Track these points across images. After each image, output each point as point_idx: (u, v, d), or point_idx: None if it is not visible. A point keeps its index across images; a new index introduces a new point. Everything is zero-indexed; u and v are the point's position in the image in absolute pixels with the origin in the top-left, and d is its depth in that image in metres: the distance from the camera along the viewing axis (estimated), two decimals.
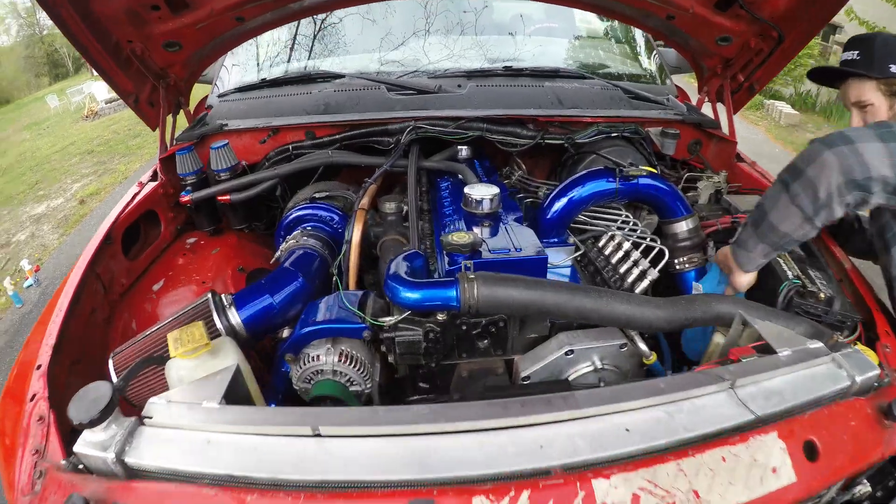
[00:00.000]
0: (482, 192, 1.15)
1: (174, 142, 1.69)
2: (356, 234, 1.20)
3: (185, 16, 1.45)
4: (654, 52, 2.28)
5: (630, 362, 1.07)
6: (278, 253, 1.28)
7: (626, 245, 1.22)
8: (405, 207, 1.40)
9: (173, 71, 1.62)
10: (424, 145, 1.61)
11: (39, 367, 0.97)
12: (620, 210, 1.33)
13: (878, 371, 0.84)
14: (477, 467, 0.64)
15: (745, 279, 1.13)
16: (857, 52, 1.20)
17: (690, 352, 1.20)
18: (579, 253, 1.20)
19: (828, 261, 1.23)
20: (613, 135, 1.64)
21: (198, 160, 1.58)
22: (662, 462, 0.68)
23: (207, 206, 1.58)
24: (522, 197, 1.53)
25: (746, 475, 0.70)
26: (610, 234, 1.27)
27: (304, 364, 1.00)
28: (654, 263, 1.16)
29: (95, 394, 0.70)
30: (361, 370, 0.99)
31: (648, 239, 1.19)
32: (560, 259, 1.18)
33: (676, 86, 2.22)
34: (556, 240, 1.22)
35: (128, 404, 1.01)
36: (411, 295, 0.88)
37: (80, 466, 0.73)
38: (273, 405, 1.16)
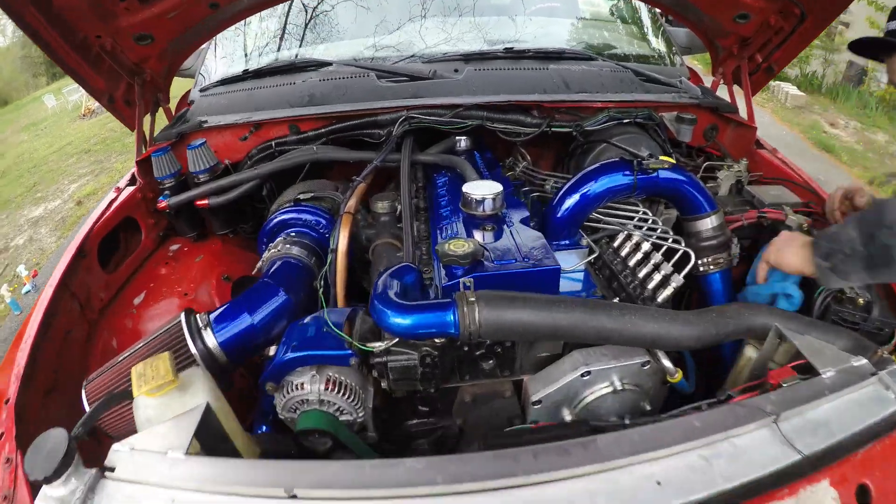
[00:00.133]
0: (483, 191, 1.02)
1: (154, 141, 1.58)
2: (342, 241, 1.08)
3: (155, 5, 1.34)
4: (662, 30, 2.12)
5: (652, 380, 0.95)
6: (260, 263, 1.16)
7: (646, 246, 1.09)
8: (399, 207, 1.27)
9: (148, 66, 1.52)
10: (420, 137, 1.48)
11: (8, 401, 0.90)
12: (637, 206, 1.19)
13: None
14: None
15: None
16: None
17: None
18: (594, 256, 1.07)
19: None
20: (625, 121, 1.51)
21: (175, 161, 1.47)
22: None
23: (188, 211, 1.47)
24: (528, 190, 1.40)
25: None
26: (626, 233, 1.14)
27: (288, 393, 0.88)
28: (677, 267, 1.03)
29: (52, 444, 0.64)
30: (352, 398, 0.88)
31: (671, 240, 1.06)
32: (572, 264, 1.05)
33: (689, 67, 2.07)
34: (566, 242, 1.09)
35: (104, 437, 0.92)
36: (401, 321, 0.76)
37: None
38: (263, 429, 1.06)
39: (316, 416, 0.87)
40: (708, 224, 1.17)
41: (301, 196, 1.25)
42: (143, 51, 1.45)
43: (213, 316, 0.99)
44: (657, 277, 1.03)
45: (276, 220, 1.24)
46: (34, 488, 0.67)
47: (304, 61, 1.68)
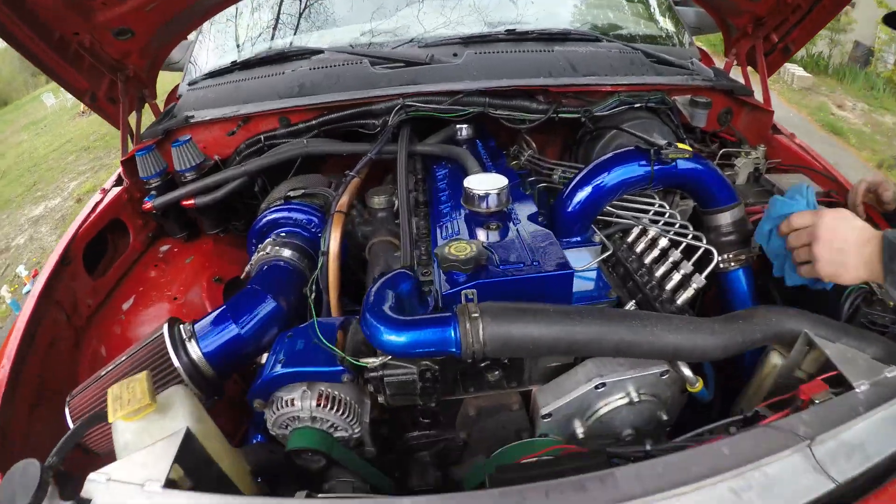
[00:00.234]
0: (486, 186, 0.94)
1: (140, 139, 1.52)
2: (334, 243, 1.00)
3: None
4: (670, 9, 2.01)
5: (671, 389, 0.88)
6: (248, 266, 1.08)
7: (663, 242, 1.01)
8: (397, 201, 1.19)
9: (130, 61, 1.46)
10: (417, 126, 1.40)
11: None
12: (653, 198, 1.10)
13: None
14: None
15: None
16: None
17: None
18: (608, 254, 0.98)
19: None
20: (637, 105, 1.41)
21: (160, 160, 1.40)
22: None
23: (176, 211, 1.41)
24: (534, 180, 1.32)
25: None
26: (641, 227, 1.06)
27: (278, 409, 0.82)
28: (697, 266, 0.95)
29: (25, 476, 0.61)
30: (346, 414, 0.81)
31: (690, 235, 0.97)
32: (583, 262, 0.97)
33: (699, 48, 1.97)
34: (577, 238, 1.00)
35: (88, 453, 0.88)
36: (395, 338, 0.68)
37: None
38: (258, 439, 1.01)
39: (308, 434, 0.80)
40: (729, 217, 1.08)
41: (291, 193, 1.17)
42: (123, 46, 1.39)
43: (198, 326, 0.92)
44: (676, 277, 0.95)
45: (265, 220, 1.16)
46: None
47: (295, 50, 1.59)
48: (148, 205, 1.36)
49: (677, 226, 1.02)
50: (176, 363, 0.87)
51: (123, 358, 0.93)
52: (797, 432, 0.63)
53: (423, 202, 1.21)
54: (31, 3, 1.14)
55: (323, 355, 0.77)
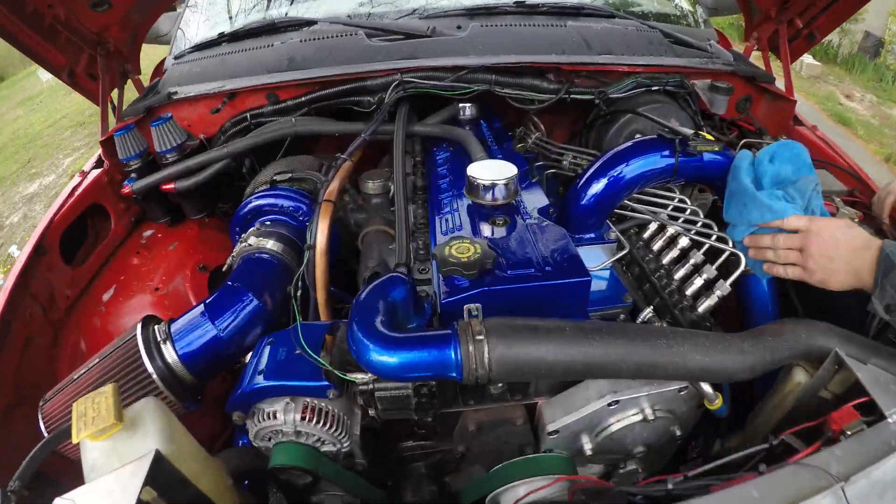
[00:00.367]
0: (492, 174, 0.84)
1: (122, 117, 1.43)
2: (321, 235, 0.90)
3: None
4: None
5: (688, 405, 0.81)
6: (230, 259, 0.99)
7: (684, 242, 0.92)
8: (393, 187, 1.09)
9: (110, 35, 1.38)
10: (417, 104, 1.29)
11: None
12: (672, 190, 1.01)
13: None
14: None
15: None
16: None
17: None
18: (624, 253, 0.89)
19: None
20: (654, 88, 1.31)
21: (141, 140, 1.29)
22: None
23: (157, 195, 1.31)
24: (541, 166, 1.22)
25: None
26: (659, 223, 0.97)
27: (259, 422, 0.74)
28: (721, 270, 0.87)
29: None
30: (334, 428, 0.73)
31: (714, 236, 0.88)
32: (597, 261, 0.88)
33: (716, 30, 1.85)
34: (591, 235, 0.91)
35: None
36: (386, 359, 0.59)
37: None
38: (245, 441, 0.94)
39: (292, 450, 0.72)
40: None
41: (277, 177, 1.07)
42: (101, 18, 1.30)
43: (174, 327, 0.84)
44: (698, 282, 0.86)
45: (249, 206, 1.06)
46: None
47: (286, 20, 1.46)
48: (127, 188, 1.26)
49: (699, 224, 0.93)
50: (149, 368, 0.80)
51: (95, 361, 0.86)
52: (830, 471, 0.60)
53: (422, 187, 1.11)
54: None
55: (307, 367, 0.69)
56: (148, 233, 1.37)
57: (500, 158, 1.08)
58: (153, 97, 1.39)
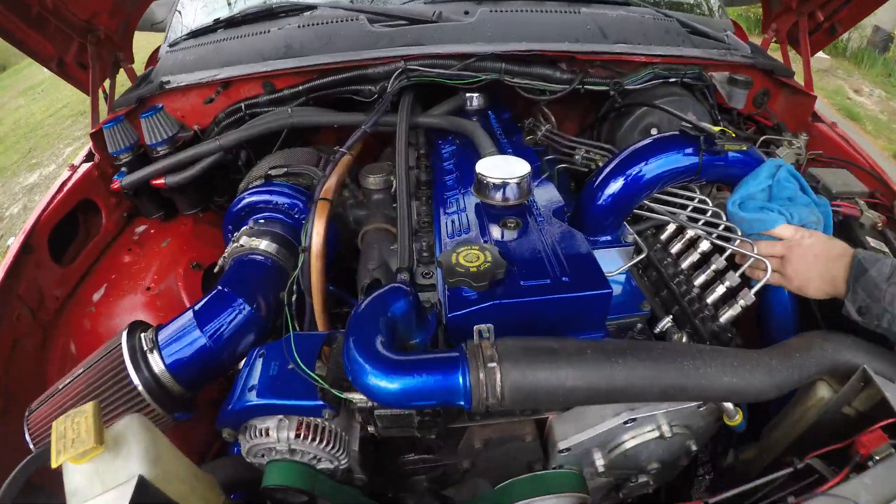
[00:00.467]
0: (503, 173, 0.78)
1: (114, 108, 1.37)
2: (317, 237, 0.83)
3: None
4: None
5: (706, 420, 0.77)
6: (222, 259, 0.93)
7: (704, 246, 0.86)
8: (395, 183, 1.03)
9: (100, 22, 1.32)
10: (422, 94, 1.23)
11: None
12: (694, 190, 0.95)
13: None
14: None
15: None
16: None
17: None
18: (642, 257, 0.84)
19: None
20: (672, 80, 1.24)
21: (131, 132, 1.24)
22: None
23: (149, 190, 1.25)
24: (552, 159, 1.16)
25: None
26: (677, 223, 0.91)
27: (251, 438, 0.69)
28: (744, 278, 0.81)
29: None
30: (332, 445, 0.68)
31: (737, 241, 0.82)
32: (613, 266, 0.83)
33: (732, 20, 1.77)
34: (608, 237, 0.85)
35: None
36: (386, 384, 0.53)
37: None
38: (239, 450, 0.89)
39: (286, 469, 0.67)
40: None
41: (272, 172, 1.00)
42: (91, 5, 1.26)
43: (162, 335, 0.79)
44: (720, 290, 0.81)
45: (242, 203, 1.00)
46: None
47: (285, 5, 1.39)
48: (117, 184, 1.21)
49: (721, 227, 0.87)
50: (135, 380, 0.75)
51: (81, 371, 0.81)
52: (859, 502, 0.58)
53: (426, 182, 1.05)
54: None
55: (301, 384, 0.63)
56: (141, 228, 1.32)
57: (510, 153, 1.02)
58: (146, 87, 1.33)
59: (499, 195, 0.78)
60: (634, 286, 0.84)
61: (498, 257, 0.62)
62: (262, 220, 0.96)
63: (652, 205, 0.94)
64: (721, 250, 0.85)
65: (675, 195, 0.96)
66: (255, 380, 0.66)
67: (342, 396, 0.60)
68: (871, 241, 0.97)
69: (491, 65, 1.15)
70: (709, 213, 0.91)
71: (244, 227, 0.95)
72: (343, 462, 0.72)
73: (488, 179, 0.78)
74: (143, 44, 1.61)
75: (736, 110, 1.39)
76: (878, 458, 0.63)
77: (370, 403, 0.62)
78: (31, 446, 0.82)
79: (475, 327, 0.55)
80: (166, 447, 0.67)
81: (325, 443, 0.67)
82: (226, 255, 0.91)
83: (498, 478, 0.79)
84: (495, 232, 0.76)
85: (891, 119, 5.92)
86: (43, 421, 0.81)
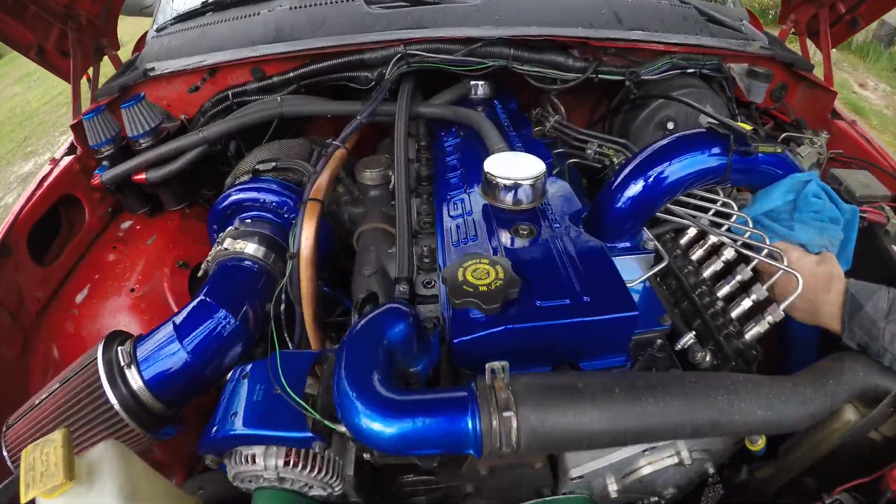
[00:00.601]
0: (515, 172, 0.71)
1: (97, 98, 1.30)
2: (306, 241, 0.75)
3: None
4: None
5: (725, 444, 0.72)
6: (205, 263, 0.85)
7: (728, 254, 0.80)
8: (394, 178, 0.95)
9: (81, 7, 1.26)
10: (423, 82, 1.15)
11: None
12: (717, 192, 0.88)
13: None
14: None
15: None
16: None
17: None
18: (663, 265, 0.77)
19: None
20: (690, 71, 1.16)
21: (113, 123, 1.16)
22: None
23: (132, 184, 1.17)
24: (561, 153, 1.09)
25: None
26: (698, 228, 0.84)
27: (237, 464, 0.62)
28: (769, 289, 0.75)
29: None
30: (324, 473, 0.62)
31: (765, 251, 0.76)
32: (633, 275, 0.76)
33: (747, 9, 1.69)
34: (627, 244, 0.79)
35: None
36: (381, 428, 0.46)
37: None
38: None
39: (274, 498, 0.61)
40: None
41: (260, 167, 0.92)
42: None
43: (140, 348, 0.72)
44: (746, 304, 0.75)
45: (228, 200, 0.93)
46: None
47: None
48: (97, 179, 1.13)
49: (747, 235, 0.80)
50: (111, 399, 0.69)
51: (57, 386, 0.76)
52: None
53: (427, 177, 0.97)
54: None
55: (289, 411, 0.57)
56: (126, 225, 1.25)
57: (520, 148, 0.94)
58: (130, 74, 1.25)
59: (509, 198, 0.71)
60: (655, 298, 0.77)
61: (511, 273, 0.55)
62: (248, 220, 0.89)
63: (672, 206, 0.88)
64: (747, 259, 0.78)
65: (697, 196, 0.89)
66: (238, 405, 0.59)
67: (334, 427, 0.54)
68: None
69: (498, 50, 1.07)
70: (733, 218, 0.84)
71: (230, 228, 0.88)
72: (337, 489, 0.66)
73: (498, 180, 0.71)
74: (131, 29, 1.52)
75: (755, 105, 1.32)
76: None
77: None
78: (9, 463, 0.77)
79: (487, 365, 0.48)
80: (143, 475, 0.61)
81: (316, 471, 0.61)
82: (210, 257, 0.84)
83: (503, 501, 0.74)
84: (505, 239, 0.69)
85: (895, 115, 5.85)
86: (19, 438, 0.77)
